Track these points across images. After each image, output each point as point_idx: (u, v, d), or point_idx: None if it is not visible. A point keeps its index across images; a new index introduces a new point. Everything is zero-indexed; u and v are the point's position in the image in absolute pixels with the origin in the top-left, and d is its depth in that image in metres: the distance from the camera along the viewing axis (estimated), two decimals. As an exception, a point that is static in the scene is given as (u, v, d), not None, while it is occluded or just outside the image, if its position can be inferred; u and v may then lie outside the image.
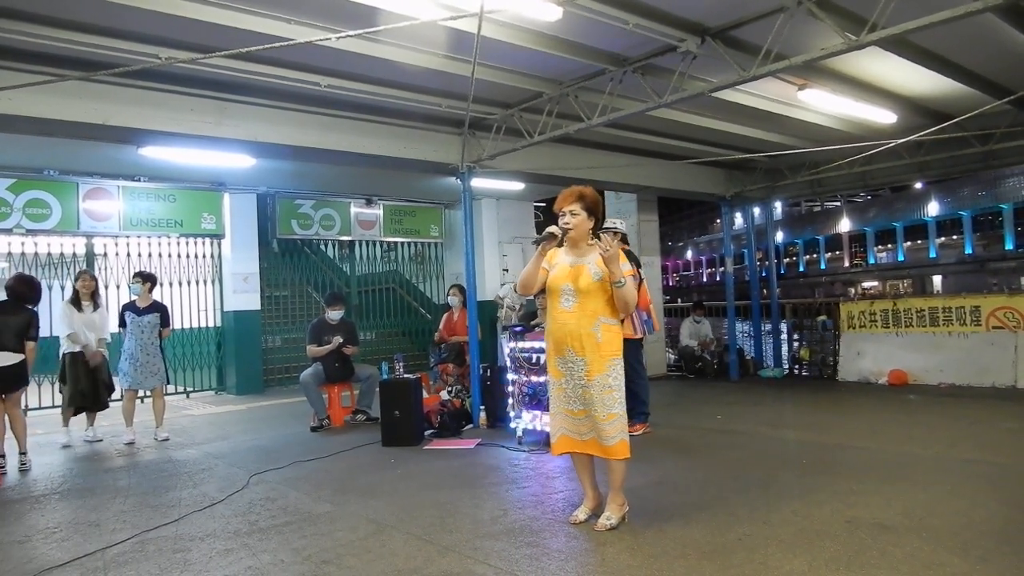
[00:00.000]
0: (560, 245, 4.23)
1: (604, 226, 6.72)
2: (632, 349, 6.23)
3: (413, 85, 7.14)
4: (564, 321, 4.09)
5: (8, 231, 9.90)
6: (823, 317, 11.83)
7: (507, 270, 12.74)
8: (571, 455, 4.26)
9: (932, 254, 37.14)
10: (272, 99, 7.21)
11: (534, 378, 6.47)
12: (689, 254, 57.02)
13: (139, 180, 10.79)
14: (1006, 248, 33.57)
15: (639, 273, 6.54)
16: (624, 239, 6.69)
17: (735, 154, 10.31)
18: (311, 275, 13.83)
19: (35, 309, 6.54)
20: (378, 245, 13.90)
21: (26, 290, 6.52)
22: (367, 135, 7.95)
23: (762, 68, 5.80)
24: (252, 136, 7.25)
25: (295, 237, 12.78)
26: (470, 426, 7.56)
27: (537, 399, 6.44)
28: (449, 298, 8.98)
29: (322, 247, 13.87)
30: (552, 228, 4.12)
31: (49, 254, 10.80)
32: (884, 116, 8.26)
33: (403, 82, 7.03)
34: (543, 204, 13.88)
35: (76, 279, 7.66)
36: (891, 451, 5.86)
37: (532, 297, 6.88)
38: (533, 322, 7.10)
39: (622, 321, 4.20)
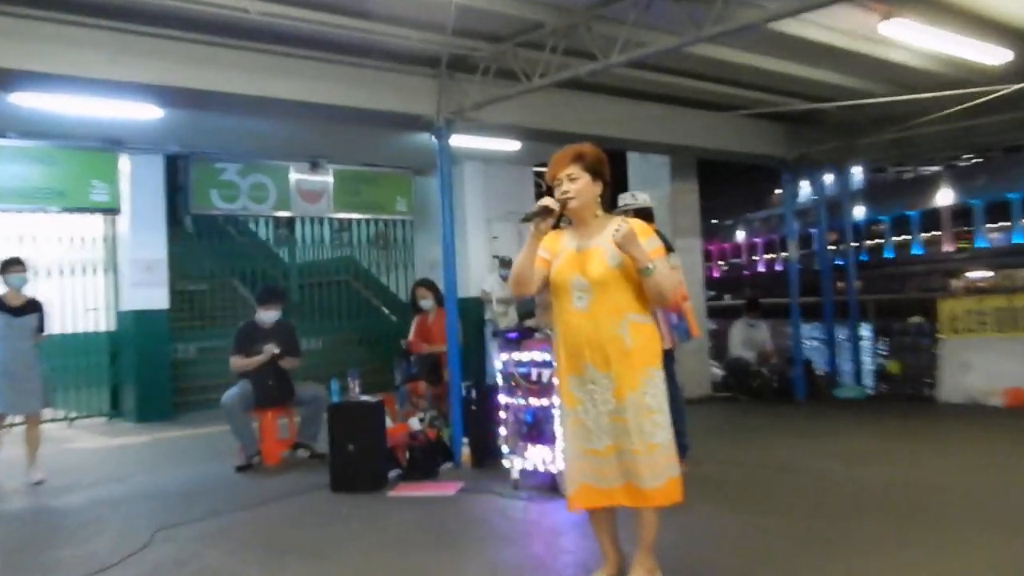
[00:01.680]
0: (557, 226, 4.22)
1: (622, 201, 6.77)
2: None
3: (374, 12, 7.07)
4: (578, 326, 4.06)
5: None
6: (917, 319, 11.87)
7: (499, 257, 12.71)
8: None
9: (1060, 235, 37.23)
10: (185, 30, 7.13)
11: (534, 400, 6.42)
12: (740, 236, 56.94)
13: (8, 137, 10.71)
14: None
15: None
16: (647, 215, 6.70)
17: (799, 104, 10.26)
18: (237, 263, 13.81)
19: None
20: (327, 224, 13.89)
21: None
22: (312, 79, 7.88)
23: (835, -11, 5.76)
24: (158, 79, 7.14)
25: (216, 213, 12.74)
26: (449, 465, 7.58)
27: (539, 429, 6.40)
28: (421, 303, 9.01)
29: (252, 226, 13.96)
30: (546, 200, 4.09)
31: None
32: (995, 55, 8.23)
33: (361, 8, 6.96)
34: (546, 169, 13.82)
35: None
36: (1005, 495, 5.87)
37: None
38: (529, 322, 7.08)
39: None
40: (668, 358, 6.38)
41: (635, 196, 7.01)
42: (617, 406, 4.00)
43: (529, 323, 7.08)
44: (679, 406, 6.85)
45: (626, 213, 6.53)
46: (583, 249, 4.10)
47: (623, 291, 4.04)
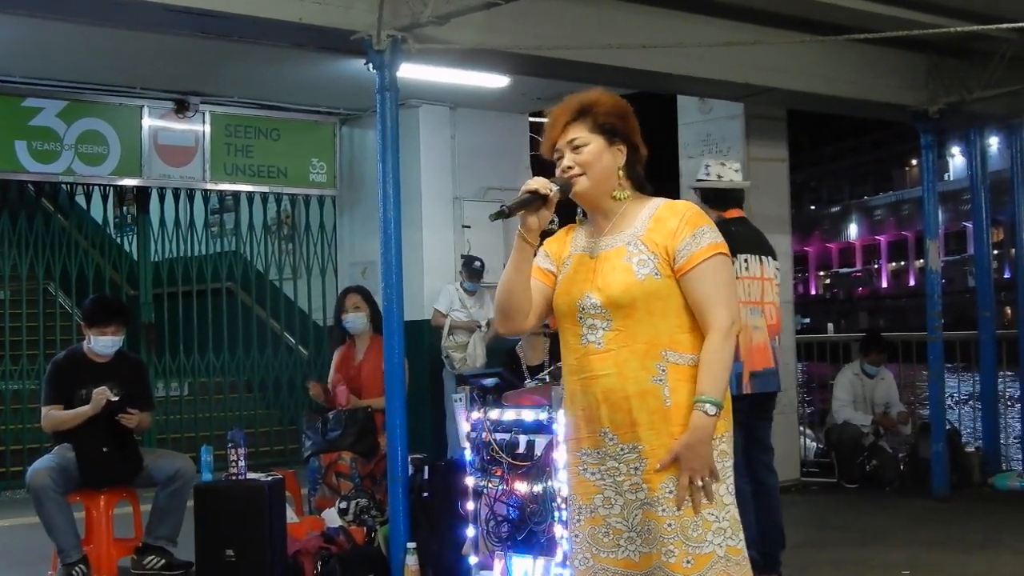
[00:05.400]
0: (569, 220, 3.93)
1: (699, 174, 6.69)
2: (758, 415, 6.22)
3: None
4: (592, 371, 3.41)
5: None
6: None
7: (466, 258, 11.25)
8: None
9: None
10: None
11: (521, 485, 5.84)
12: (853, 232, 54.15)
13: None
14: None
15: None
16: (729, 201, 6.51)
17: (951, 25, 8.94)
18: (55, 259, 12.30)
19: None
20: (200, 198, 12.37)
21: None
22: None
23: None
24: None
25: (22, 177, 11.26)
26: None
27: (528, 530, 5.80)
28: (347, 318, 7.79)
29: (80, 200, 12.60)
30: (535, 182, 3.43)
31: None
32: None
33: None
34: (546, 120, 13.57)
35: None
36: None
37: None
38: (531, 361, 6.85)
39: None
40: (765, 408, 6.41)
41: (709, 169, 6.41)
42: (649, 496, 3.28)
43: (531, 363, 6.89)
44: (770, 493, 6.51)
45: (703, 193, 6.37)
46: (599, 252, 3.47)
47: (662, 316, 3.33)
